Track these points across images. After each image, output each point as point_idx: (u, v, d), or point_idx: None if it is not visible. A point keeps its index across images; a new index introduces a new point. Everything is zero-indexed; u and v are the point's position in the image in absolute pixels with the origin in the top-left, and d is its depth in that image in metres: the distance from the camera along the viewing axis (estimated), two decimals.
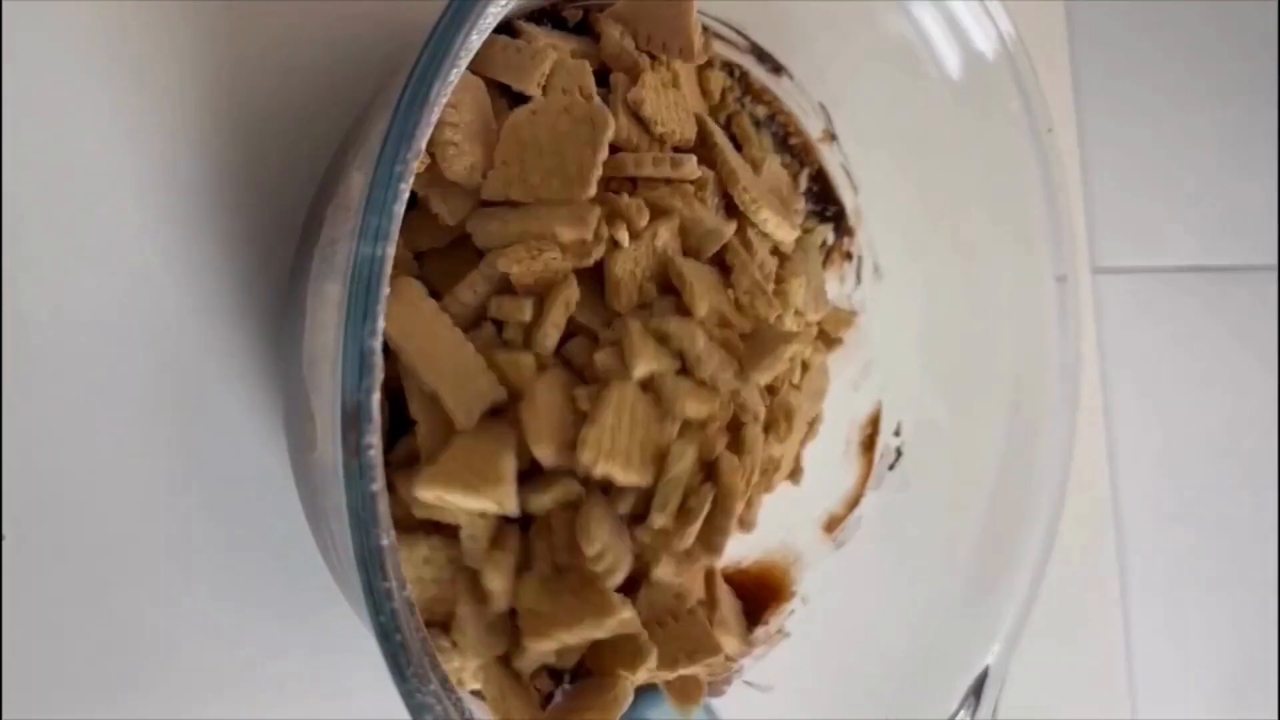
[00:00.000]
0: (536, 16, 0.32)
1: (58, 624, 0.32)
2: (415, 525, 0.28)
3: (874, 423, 0.40)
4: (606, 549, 0.28)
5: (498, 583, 0.27)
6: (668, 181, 0.31)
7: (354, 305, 0.22)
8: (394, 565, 0.23)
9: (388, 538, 0.22)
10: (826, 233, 0.39)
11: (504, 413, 0.28)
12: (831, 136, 0.38)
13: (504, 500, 0.26)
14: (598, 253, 0.29)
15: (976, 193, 0.37)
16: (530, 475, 0.28)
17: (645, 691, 0.31)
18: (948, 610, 0.35)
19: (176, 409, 0.34)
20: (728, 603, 0.36)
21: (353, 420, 0.22)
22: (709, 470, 0.31)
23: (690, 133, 0.33)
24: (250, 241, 0.35)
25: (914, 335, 0.39)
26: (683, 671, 0.31)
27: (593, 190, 0.28)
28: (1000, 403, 0.37)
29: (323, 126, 0.35)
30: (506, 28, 0.31)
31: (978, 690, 0.33)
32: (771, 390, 0.34)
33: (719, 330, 0.31)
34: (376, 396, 0.22)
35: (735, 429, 0.32)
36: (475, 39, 0.24)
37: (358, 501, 0.22)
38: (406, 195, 0.23)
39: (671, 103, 0.32)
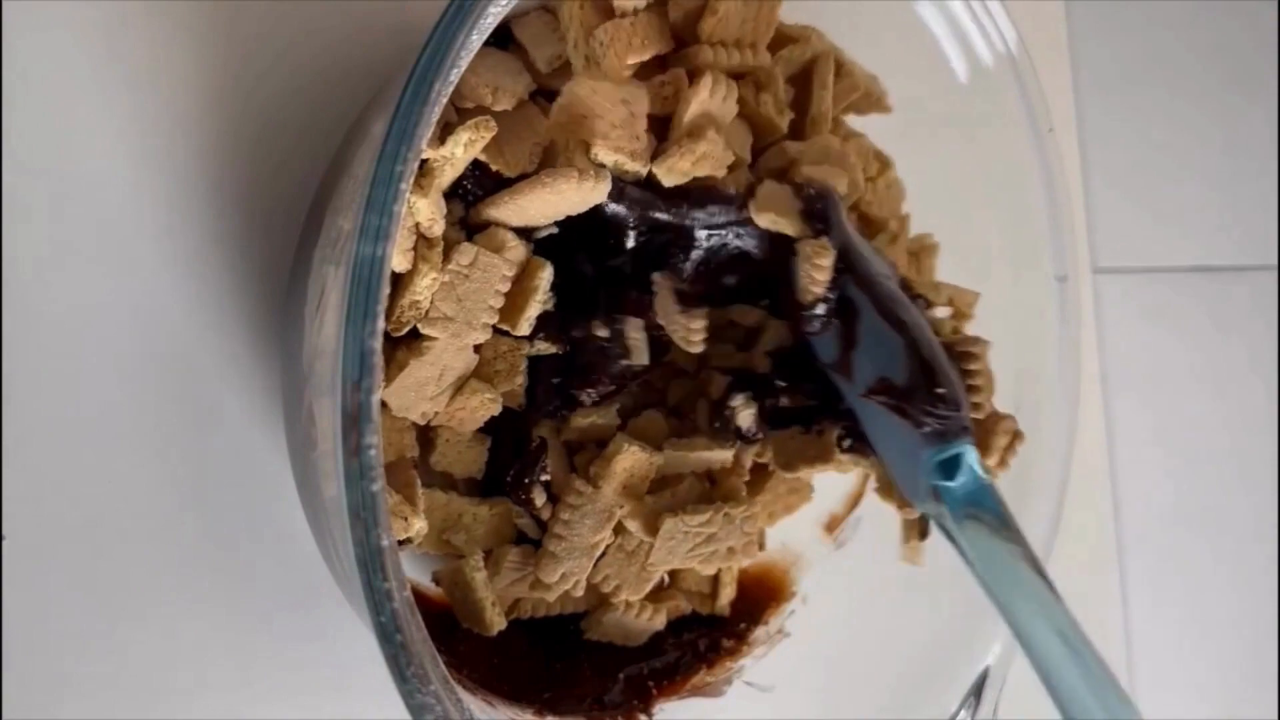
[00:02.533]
0: None
1: (58, 624, 0.32)
2: None
3: None
4: None
5: None
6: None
7: (354, 305, 0.22)
8: (394, 565, 0.23)
9: (388, 538, 0.22)
10: None
11: None
12: None
13: None
14: None
15: (977, 193, 0.37)
16: None
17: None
18: (948, 610, 0.35)
19: (177, 409, 0.34)
20: None
21: (353, 420, 0.22)
22: None
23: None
24: (250, 241, 0.35)
25: None
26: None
27: None
28: (1000, 403, 0.37)
29: (323, 126, 0.35)
30: (503, 30, 0.31)
31: (978, 690, 0.33)
32: None
33: None
34: (377, 396, 0.22)
35: None
36: (475, 39, 0.24)
37: (358, 501, 0.22)
38: (406, 195, 0.23)
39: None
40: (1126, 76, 0.53)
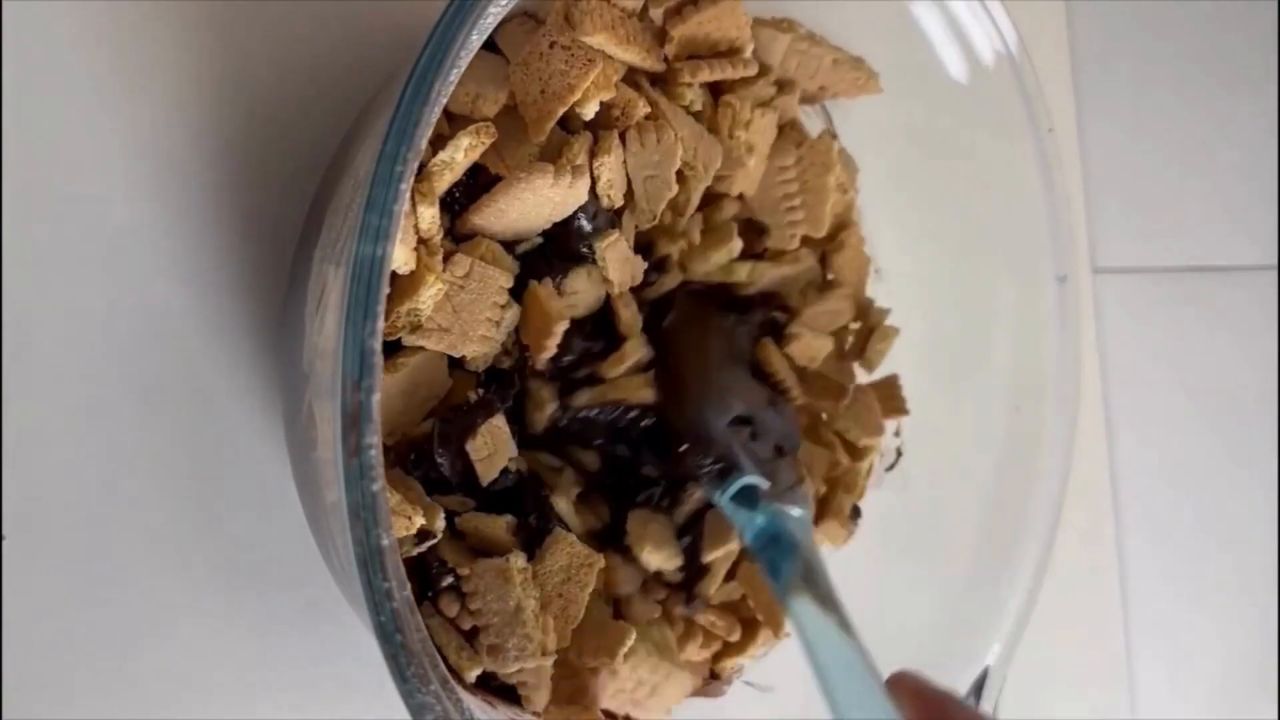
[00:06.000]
0: None
1: (57, 624, 0.32)
2: None
3: None
4: None
5: None
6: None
7: (354, 305, 0.22)
8: (394, 565, 0.23)
9: (388, 538, 0.22)
10: None
11: None
12: (832, 136, 0.38)
13: None
14: None
15: (977, 193, 0.37)
16: None
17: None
18: (947, 610, 0.35)
19: (177, 409, 0.34)
20: None
21: (353, 420, 0.22)
22: None
23: None
24: (250, 242, 0.35)
25: (914, 335, 0.39)
26: None
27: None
28: (1000, 403, 0.37)
29: (323, 127, 0.35)
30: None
31: (978, 690, 0.33)
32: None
33: None
34: (377, 397, 0.22)
35: None
36: (475, 39, 0.24)
37: (358, 501, 0.22)
38: (406, 195, 0.23)
39: None
40: (1126, 76, 0.54)
